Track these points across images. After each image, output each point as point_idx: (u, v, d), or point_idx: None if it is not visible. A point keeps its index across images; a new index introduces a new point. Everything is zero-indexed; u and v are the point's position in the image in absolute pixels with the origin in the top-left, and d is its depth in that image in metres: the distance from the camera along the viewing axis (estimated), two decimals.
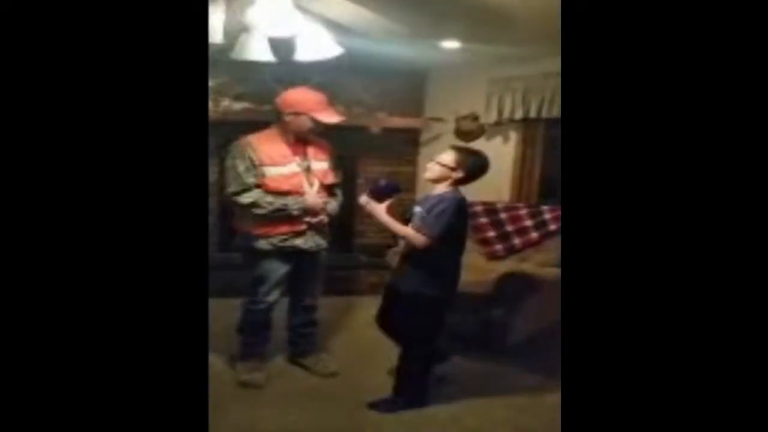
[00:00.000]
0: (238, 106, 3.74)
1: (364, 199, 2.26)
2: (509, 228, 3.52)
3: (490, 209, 3.62)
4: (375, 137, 3.91)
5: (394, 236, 2.64)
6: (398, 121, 3.99)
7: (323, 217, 2.45)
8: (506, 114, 3.73)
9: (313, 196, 2.39)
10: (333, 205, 2.53)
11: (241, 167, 2.32)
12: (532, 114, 3.57)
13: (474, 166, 2.23)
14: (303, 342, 2.72)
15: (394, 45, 3.12)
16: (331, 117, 2.37)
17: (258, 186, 2.34)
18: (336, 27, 2.24)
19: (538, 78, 3.48)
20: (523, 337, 3.04)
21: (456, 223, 2.17)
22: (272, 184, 2.34)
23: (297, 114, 2.34)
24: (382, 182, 2.36)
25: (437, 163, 2.22)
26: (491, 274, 3.11)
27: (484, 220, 3.61)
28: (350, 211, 3.67)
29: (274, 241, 2.40)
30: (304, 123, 2.35)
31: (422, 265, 2.23)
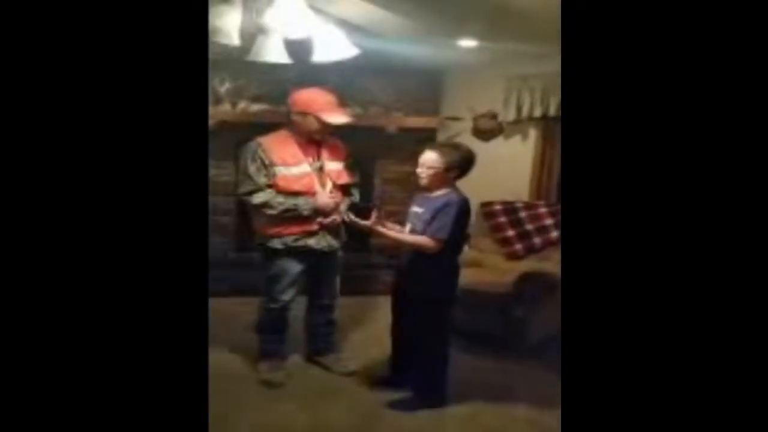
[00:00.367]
0: (256, 107, 3.77)
1: (350, 217, 2.27)
2: (529, 227, 3.48)
3: (509, 208, 3.59)
4: (392, 137, 3.90)
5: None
6: (415, 121, 3.97)
7: (335, 218, 2.45)
8: (525, 112, 3.70)
9: (324, 196, 2.39)
10: (347, 205, 2.53)
11: (252, 168, 2.34)
12: (552, 112, 3.53)
13: (463, 160, 2.21)
14: (321, 341, 2.73)
15: (410, 44, 3.11)
16: (337, 118, 2.37)
17: (270, 186, 2.35)
18: (352, 27, 2.24)
19: (557, 75, 3.44)
20: (542, 337, 3.01)
21: (461, 224, 2.18)
22: (283, 185, 2.35)
23: (304, 114, 2.36)
24: (357, 202, 2.43)
25: (428, 168, 2.20)
26: (511, 273, 3.09)
27: (503, 219, 3.57)
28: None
29: (287, 240, 2.41)
30: (311, 123, 2.36)
31: (427, 267, 2.23)
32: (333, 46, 2.15)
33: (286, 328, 2.61)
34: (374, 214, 2.27)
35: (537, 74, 3.57)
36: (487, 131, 3.98)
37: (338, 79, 3.25)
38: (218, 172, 3.78)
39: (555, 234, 3.39)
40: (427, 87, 4.14)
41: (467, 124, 4.04)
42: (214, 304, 3.23)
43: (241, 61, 2.34)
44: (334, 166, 2.48)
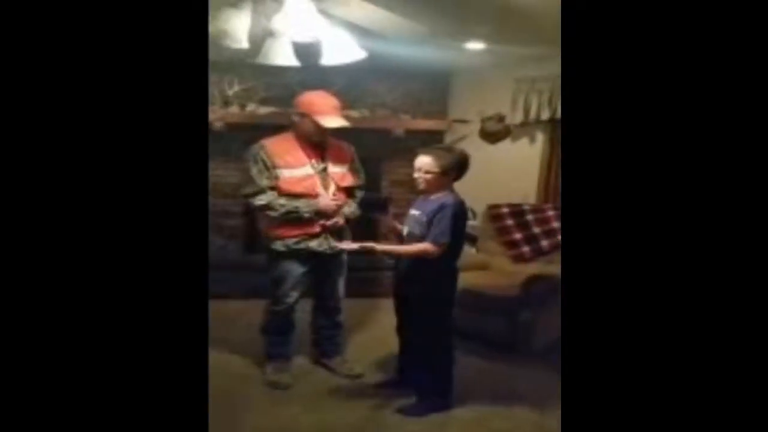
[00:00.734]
0: (264, 109, 3.79)
1: (347, 246, 2.27)
2: (536, 230, 3.47)
3: (517, 211, 3.58)
4: (399, 140, 3.91)
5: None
6: (422, 123, 3.98)
7: (337, 220, 2.46)
8: (532, 114, 3.69)
9: (325, 199, 2.40)
10: (352, 207, 2.53)
11: (254, 170, 2.36)
12: (559, 115, 3.52)
13: (457, 163, 2.22)
14: (327, 344, 2.73)
15: (417, 47, 3.11)
16: (333, 122, 2.36)
17: (273, 188, 2.36)
18: (360, 30, 2.24)
19: None
20: (549, 340, 3.00)
21: (459, 226, 2.19)
22: (286, 187, 2.36)
23: (303, 116, 2.36)
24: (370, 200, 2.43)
25: (424, 172, 2.21)
26: (518, 276, 3.08)
27: (510, 222, 3.56)
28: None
29: (289, 243, 2.42)
30: (309, 125, 2.36)
31: (425, 269, 2.22)
32: (341, 49, 2.16)
33: (292, 330, 2.62)
34: (390, 210, 2.27)
35: (544, 77, 3.57)
36: (494, 134, 3.97)
37: (346, 82, 3.27)
38: (225, 173, 3.80)
39: None
40: (434, 89, 4.14)
41: (474, 127, 4.04)
42: (225, 306, 3.27)
43: (249, 64, 2.36)
44: (338, 169, 2.48)
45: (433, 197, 2.23)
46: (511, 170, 3.88)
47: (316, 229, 2.42)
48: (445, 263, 2.24)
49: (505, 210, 3.59)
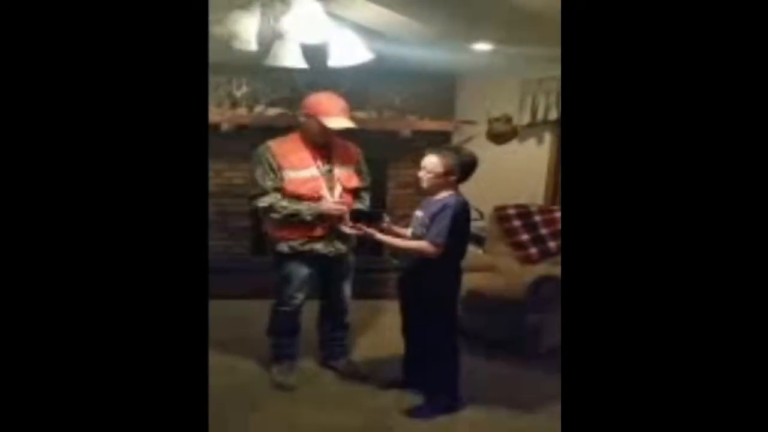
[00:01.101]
0: (272, 111, 3.80)
1: (348, 226, 2.29)
2: (544, 231, 3.46)
3: (524, 212, 3.57)
4: (406, 141, 3.91)
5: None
6: (429, 124, 3.98)
7: (343, 225, 2.44)
8: (540, 115, 3.68)
9: (329, 201, 2.38)
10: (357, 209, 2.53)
11: (258, 171, 2.36)
12: None
13: (463, 164, 2.21)
14: (334, 345, 2.73)
15: (424, 48, 3.12)
16: (338, 123, 2.34)
17: (279, 189, 2.36)
18: (367, 32, 2.25)
19: None
20: (556, 341, 2.99)
21: (461, 227, 2.18)
22: (291, 188, 2.36)
23: (309, 117, 2.37)
24: (365, 209, 2.42)
25: (429, 172, 2.21)
26: (525, 277, 3.07)
27: (517, 223, 3.55)
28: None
29: (293, 244, 2.42)
30: (315, 126, 2.36)
31: (428, 269, 2.22)
32: (348, 51, 2.17)
33: (298, 331, 2.62)
34: (386, 218, 2.28)
35: (551, 77, 3.56)
36: (501, 135, 3.97)
37: (353, 83, 3.27)
38: (233, 174, 3.82)
39: None
40: (441, 90, 4.14)
41: (481, 128, 4.04)
42: (232, 306, 3.28)
43: (258, 65, 2.36)
44: (344, 170, 2.48)
45: (437, 198, 2.23)
46: (519, 171, 3.87)
47: (320, 231, 2.42)
48: (448, 264, 2.24)
49: (513, 211, 3.58)
